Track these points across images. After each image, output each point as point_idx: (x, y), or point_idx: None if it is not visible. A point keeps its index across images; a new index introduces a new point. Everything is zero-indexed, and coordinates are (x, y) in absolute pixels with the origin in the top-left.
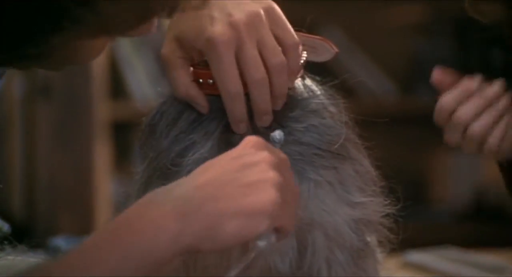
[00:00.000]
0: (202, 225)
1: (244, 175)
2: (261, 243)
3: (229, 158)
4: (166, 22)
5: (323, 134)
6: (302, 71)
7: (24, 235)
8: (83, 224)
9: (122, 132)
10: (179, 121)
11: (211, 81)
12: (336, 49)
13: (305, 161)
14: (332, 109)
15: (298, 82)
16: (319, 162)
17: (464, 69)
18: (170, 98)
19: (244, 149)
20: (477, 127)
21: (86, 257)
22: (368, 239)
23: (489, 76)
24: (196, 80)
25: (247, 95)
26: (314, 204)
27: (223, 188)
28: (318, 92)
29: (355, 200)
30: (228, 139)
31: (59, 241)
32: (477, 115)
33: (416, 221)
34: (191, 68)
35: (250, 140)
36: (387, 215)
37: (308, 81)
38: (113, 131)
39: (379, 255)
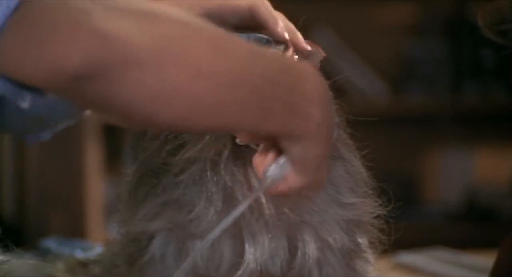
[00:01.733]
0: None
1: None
2: (275, 171)
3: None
4: None
5: None
6: None
7: (15, 236)
8: (74, 226)
9: (113, 134)
10: None
11: None
12: (323, 54)
13: None
14: None
15: None
16: None
17: (455, 69)
18: None
19: None
20: None
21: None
22: (359, 240)
23: (480, 76)
24: None
25: None
26: (304, 203)
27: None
28: None
29: (346, 200)
30: (218, 138)
31: (50, 243)
32: None
33: (408, 222)
34: None
35: None
36: (379, 215)
37: None
38: (103, 133)
39: (370, 256)
